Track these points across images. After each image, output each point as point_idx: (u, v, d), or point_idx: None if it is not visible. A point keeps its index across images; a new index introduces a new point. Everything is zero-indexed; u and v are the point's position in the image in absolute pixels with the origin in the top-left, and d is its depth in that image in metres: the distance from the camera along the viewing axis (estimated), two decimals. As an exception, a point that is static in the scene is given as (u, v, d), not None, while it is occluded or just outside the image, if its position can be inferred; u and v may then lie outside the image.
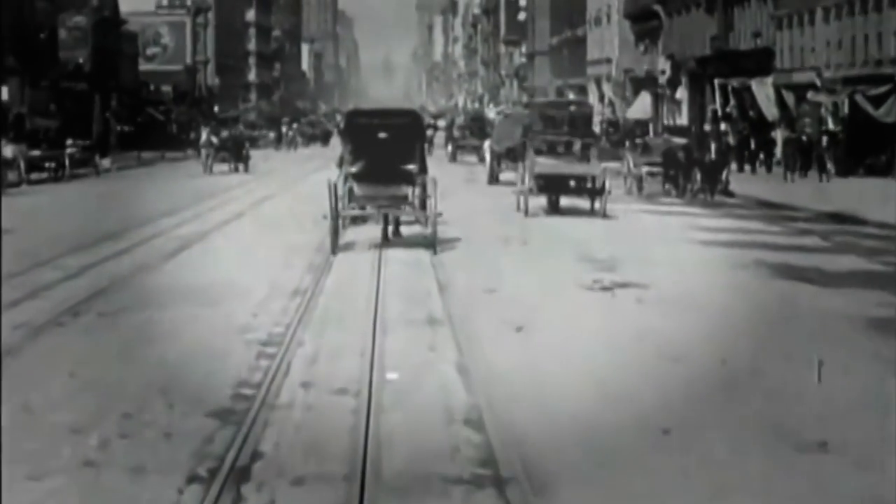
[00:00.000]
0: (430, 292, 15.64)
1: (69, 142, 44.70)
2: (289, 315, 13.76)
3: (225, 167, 46.01)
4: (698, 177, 32.94)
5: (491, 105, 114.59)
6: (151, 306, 14.34)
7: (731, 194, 33.71)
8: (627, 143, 50.19)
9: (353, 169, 20.62)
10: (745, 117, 51.62)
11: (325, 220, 20.09)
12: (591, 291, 15.84)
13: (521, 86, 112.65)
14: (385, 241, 20.76)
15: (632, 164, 34.85)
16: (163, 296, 15.20)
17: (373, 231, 21.58)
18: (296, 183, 39.84)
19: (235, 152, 47.39)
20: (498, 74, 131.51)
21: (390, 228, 21.23)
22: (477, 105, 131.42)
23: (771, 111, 50.11)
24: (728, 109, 54.22)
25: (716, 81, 55.46)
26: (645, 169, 34.35)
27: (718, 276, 17.69)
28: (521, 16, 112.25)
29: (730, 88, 54.08)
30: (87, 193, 36.45)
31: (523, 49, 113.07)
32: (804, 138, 41.15)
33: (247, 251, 20.43)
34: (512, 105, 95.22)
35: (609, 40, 79.44)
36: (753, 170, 42.69)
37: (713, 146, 34.54)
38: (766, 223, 26.78)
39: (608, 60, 79.25)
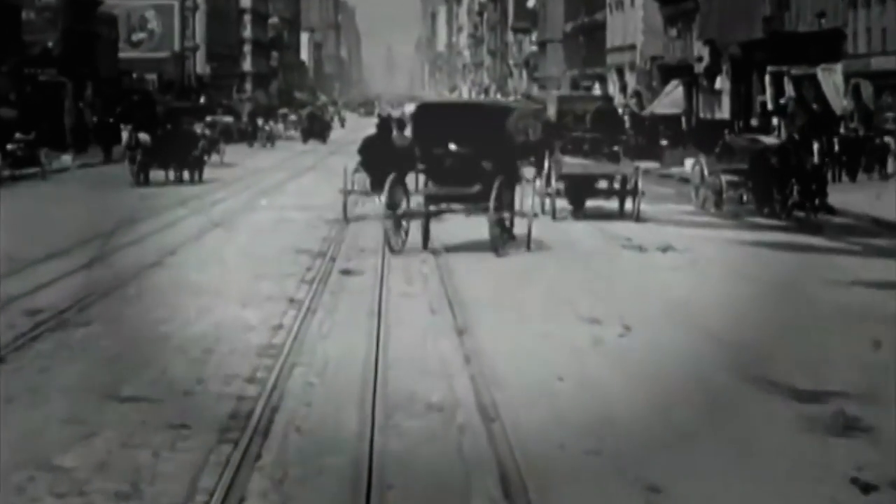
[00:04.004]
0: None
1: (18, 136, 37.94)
2: None
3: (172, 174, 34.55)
4: (795, 189, 25.41)
5: (498, 96, 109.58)
6: None
7: (831, 210, 26.24)
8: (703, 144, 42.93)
9: (423, 166, 20.02)
10: (806, 111, 44.69)
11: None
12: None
13: (531, 76, 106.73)
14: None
15: (706, 172, 27.25)
16: None
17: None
18: (269, 200, 29.28)
19: (180, 156, 34.73)
20: (506, 64, 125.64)
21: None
22: (483, 97, 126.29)
23: (840, 103, 43.19)
24: (782, 101, 47.39)
25: (768, 69, 48.61)
26: (725, 178, 26.68)
27: None
28: (531, 2, 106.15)
29: (786, 77, 47.24)
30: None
31: (534, 37, 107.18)
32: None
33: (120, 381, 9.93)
34: (519, 96, 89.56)
35: (633, 25, 73.20)
36: (837, 177, 35.22)
37: (815, 148, 27.05)
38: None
39: (631, 47, 72.86)
